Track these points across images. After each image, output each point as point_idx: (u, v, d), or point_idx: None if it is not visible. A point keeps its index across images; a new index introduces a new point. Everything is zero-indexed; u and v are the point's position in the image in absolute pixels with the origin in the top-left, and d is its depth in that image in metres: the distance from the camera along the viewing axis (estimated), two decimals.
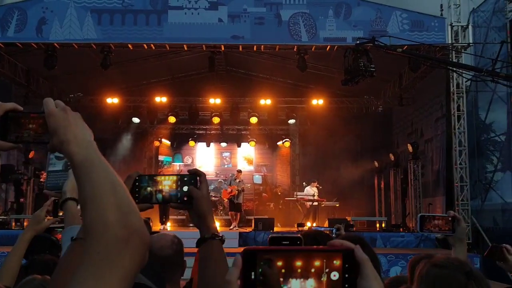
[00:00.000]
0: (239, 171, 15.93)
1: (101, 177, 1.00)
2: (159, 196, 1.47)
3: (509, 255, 2.51)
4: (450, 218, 2.32)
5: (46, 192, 1.97)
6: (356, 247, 0.87)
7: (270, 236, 1.34)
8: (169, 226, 15.01)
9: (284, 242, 1.27)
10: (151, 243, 2.41)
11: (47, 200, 2.51)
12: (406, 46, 12.86)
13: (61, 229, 2.54)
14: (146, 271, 2.40)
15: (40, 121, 1.14)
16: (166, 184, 1.46)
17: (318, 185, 15.99)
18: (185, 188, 1.46)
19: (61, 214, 1.96)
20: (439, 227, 2.32)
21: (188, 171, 1.51)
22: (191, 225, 14.55)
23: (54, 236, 3.11)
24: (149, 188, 1.46)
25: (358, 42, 10.38)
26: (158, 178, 1.47)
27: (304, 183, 16.79)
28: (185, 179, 1.47)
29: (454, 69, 12.39)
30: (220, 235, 1.47)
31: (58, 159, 1.92)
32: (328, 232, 2.89)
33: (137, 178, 1.47)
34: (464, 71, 12.27)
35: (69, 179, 1.87)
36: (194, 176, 1.48)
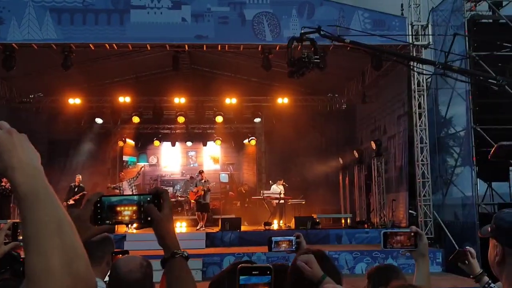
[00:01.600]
0: (202, 172, 15.90)
1: (46, 214, 0.93)
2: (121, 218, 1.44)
3: (471, 258, 2.53)
4: (412, 234, 2.37)
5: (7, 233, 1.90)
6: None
7: (239, 266, 1.35)
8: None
9: (254, 272, 1.28)
10: (119, 266, 2.39)
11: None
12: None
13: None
14: None
15: None
16: (126, 214, 1.43)
17: (284, 183, 16.09)
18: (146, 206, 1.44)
19: (21, 238, 1.91)
20: (402, 242, 2.37)
21: (149, 191, 1.48)
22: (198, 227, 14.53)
23: (15, 251, 3.04)
24: (109, 214, 1.43)
25: (302, 31, 9.68)
26: (118, 208, 1.43)
27: (270, 181, 16.86)
28: (148, 199, 1.45)
29: (410, 64, 12.62)
30: (180, 252, 1.44)
31: None
32: (287, 243, 2.89)
33: (98, 200, 1.44)
34: (416, 66, 12.48)
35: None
36: (157, 195, 1.45)
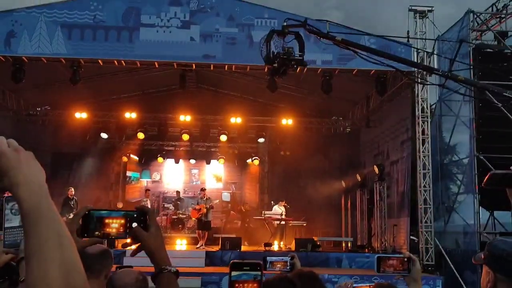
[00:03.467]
0: (203, 189, 15.90)
1: (48, 230, 0.99)
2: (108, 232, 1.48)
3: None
4: (405, 259, 2.42)
5: (4, 250, 1.92)
6: None
7: (231, 262, 1.40)
8: None
9: (245, 268, 1.34)
10: (115, 279, 2.43)
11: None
12: (373, 71, 13.21)
13: None
14: None
15: None
16: (114, 227, 1.47)
17: (286, 204, 16.08)
18: (134, 225, 1.48)
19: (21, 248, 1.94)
20: (395, 267, 2.41)
21: (136, 207, 1.51)
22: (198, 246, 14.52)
23: (13, 262, 3.06)
24: (98, 226, 1.47)
25: (285, 23, 8.32)
26: (106, 220, 1.47)
27: (272, 202, 16.86)
28: (134, 216, 1.48)
29: (410, 76, 12.63)
30: (168, 268, 1.48)
31: (14, 214, 1.88)
32: (282, 264, 2.92)
33: (86, 213, 1.48)
34: (418, 80, 12.40)
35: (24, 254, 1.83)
36: (143, 213, 1.49)
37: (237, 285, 1.32)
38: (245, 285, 1.32)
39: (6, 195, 1.85)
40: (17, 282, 2.60)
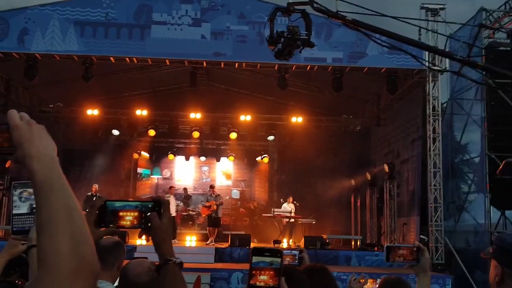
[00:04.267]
0: (212, 186, 15.94)
1: (58, 202, 1.02)
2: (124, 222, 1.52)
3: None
4: (415, 249, 2.42)
5: (13, 237, 1.95)
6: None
7: (252, 247, 1.44)
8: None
9: (266, 254, 1.38)
10: (128, 269, 2.49)
11: None
12: (384, 69, 13.18)
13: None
14: None
15: (5, 134, 1.13)
16: (128, 219, 1.49)
17: (295, 202, 16.10)
18: (149, 214, 1.51)
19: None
20: (404, 257, 2.42)
21: (152, 198, 1.55)
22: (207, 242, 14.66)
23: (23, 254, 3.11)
24: (113, 217, 1.50)
25: (290, 1, 7.54)
26: (121, 213, 1.50)
27: (281, 199, 16.88)
28: (149, 206, 1.52)
29: (418, 58, 12.27)
30: (173, 259, 1.51)
31: (22, 201, 1.91)
32: (290, 258, 2.96)
33: (102, 204, 1.51)
34: (431, 62, 12.23)
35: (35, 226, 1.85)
36: (158, 204, 1.52)
37: (253, 272, 1.35)
38: (262, 272, 1.35)
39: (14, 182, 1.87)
40: (27, 274, 2.66)
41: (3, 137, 1.14)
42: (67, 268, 0.97)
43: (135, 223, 1.51)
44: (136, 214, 1.51)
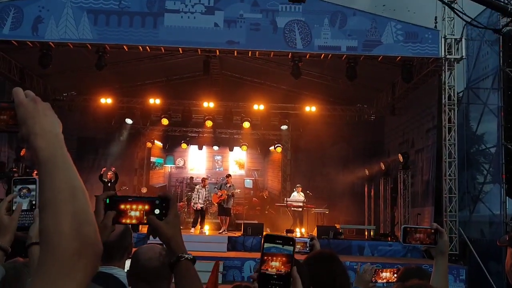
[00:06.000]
0: (229, 176, 15.94)
1: (62, 181, 1.00)
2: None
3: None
4: (433, 231, 2.34)
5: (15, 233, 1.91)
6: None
7: (265, 234, 1.41)
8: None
9: (278, 241, 1.36)
10: (139, 254, 2.47)
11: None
12: (399, 57, 13.01)
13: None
14: (135, 280, 2.46)
15: (11, 112, 1.12)
16: (135, 215, 1.46)
17: (308, 191, 16.07)
18: (157, 211, 1.46)
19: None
20: (422, 239, 2.34)
21: (158, 194, 1.50)
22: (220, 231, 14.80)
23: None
24: (120, 213, 1.46)
25: None
26: (128, 208, 1.46)
27: (294, 189, 16.87)
28: (156, 202, 1.47)
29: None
30: (185, 256, 1.48)
31: (22, 198, 1.87)
32: (301, 245, 2.93)
33: (108, 200, 1.46)
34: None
35: (35, 223, 1.81)
36: (165, 200, 1.48)
37: (266, 257, 1.33)
38: (274, 258, 1.33)
39: (15, 176, 1.86)
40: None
41: (9, 114, 1.13)
42: (69, 248, 0.96)
43: (143, 218, 1.47)
44: (143, 208, 1.47)
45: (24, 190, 1.90)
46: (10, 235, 2.04)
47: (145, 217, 1.46)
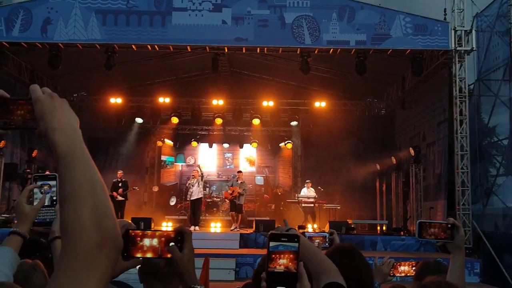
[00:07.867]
0: (240, 172, 15.93)
1: (81, 175, 1.01)
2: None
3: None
4: (449, 225, 2.30)
5: (34, 228, 1.92)
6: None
7: (270, 232, 1.41)
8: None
9: (283, 239, 1.35)
10: None
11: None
12: (409, 50, 12.91)
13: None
14: (146, 277, 2.46)
15: (28, 107, 1.13)
16: (151, 248, 1.43)
17: (320, 187, 16.03)
18: (171, 244, 1.46)
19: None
20: (437, 234, 2.30)
21: (174, 229, 1.51)
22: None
23: (43, 239, 3.11)
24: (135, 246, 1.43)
25: None
26: (144, 241, 1.43)
27: (305, 185, 16.85)
28: (172, 236, 1.47)
29: None
30: (197, 287, 1.53)
31: (42, 193, 1.88)
32: (321, 239, 2.91)
33: (124, 234, 1.43)
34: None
35: (58, 218, 1.83)
36: (181, 234, 1.48)
37: (273, 255, 1.32)
38: (281, 255, 1.32)
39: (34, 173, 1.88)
40: (49, 258, 2.63)
41: (26, 109, 1.14)
42: (90, 241, 0.96)
43: (158, 252, 1.45)
44: (159, 242, 1.45)
45: (45, 187, 1.92)
46: (30, 224, 2.07)
47: (160, 250, 1.43)
